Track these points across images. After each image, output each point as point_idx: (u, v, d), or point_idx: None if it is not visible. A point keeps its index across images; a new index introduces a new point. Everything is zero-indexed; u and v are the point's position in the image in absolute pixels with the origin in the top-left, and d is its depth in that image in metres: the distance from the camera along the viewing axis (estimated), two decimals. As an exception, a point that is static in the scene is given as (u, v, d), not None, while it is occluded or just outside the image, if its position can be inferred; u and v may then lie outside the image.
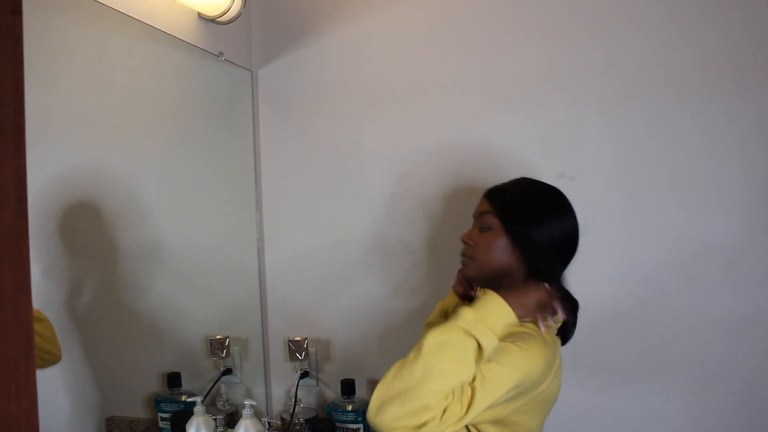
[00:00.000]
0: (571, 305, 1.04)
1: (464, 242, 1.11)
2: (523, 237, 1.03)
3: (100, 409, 1.35)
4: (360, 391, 1.58)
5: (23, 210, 0.53)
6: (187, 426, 1.38)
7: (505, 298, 0.91)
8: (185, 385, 1.52)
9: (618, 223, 1.40)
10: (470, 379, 0.86)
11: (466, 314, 0.89)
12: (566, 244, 1.06)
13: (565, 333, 1.05)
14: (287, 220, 1.65)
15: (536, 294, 0.96)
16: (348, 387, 1.53)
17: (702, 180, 1.36)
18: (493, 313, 0.90)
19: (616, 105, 1.39)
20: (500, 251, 1.05)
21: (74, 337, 1.27)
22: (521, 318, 0.93)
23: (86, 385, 1.29)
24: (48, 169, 1.18)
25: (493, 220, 1.07)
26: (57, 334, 1.22)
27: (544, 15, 1.42)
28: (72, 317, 1.27)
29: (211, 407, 1.52)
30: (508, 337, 0.92)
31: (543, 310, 0.97)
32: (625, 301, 1.41)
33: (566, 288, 1.06)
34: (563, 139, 1.42)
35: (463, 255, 1.11)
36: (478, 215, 1.11)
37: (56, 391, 1.23)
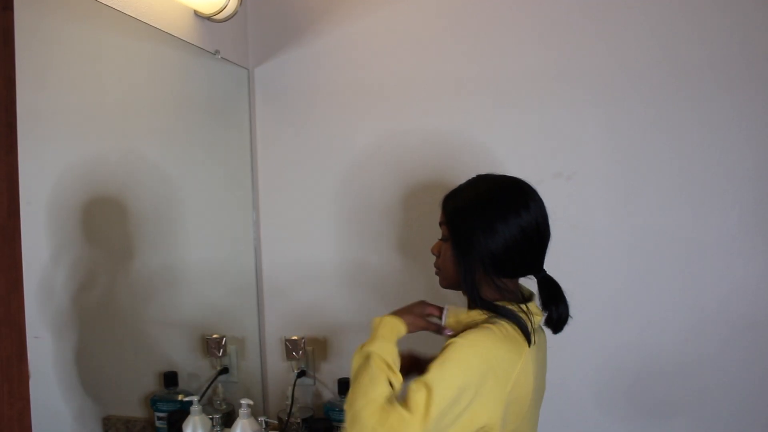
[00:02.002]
0: (551, 297, 1.02)
1: (433, 253, 1.10)
2: (464, 247, 1.00)
3: (96, 408, 1.34)
4: (357, 391, 1.57)
5: (15, 210, 0.52)
6: (183, 425, 1.38)
7: (395, 312, 1.04)
8: (182, 384, 1.51)
9: (616, 221, 1.40)
10: (383, 388, 0.91)
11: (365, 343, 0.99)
12: (527, 238, 0.99)
13: (552, 324, 1.03)
14: (284, 218, 1.64)
15: (414, 306, 1.06)
16: (345, 386, 1.53)
17: (701, 179, 1.35)
18: (380, 328, 1.00)
19: (614, 103, 1.39)
20: (455, 262, 1.02)
21: (71, 336, 1.27)
22: (412, 327, 1.03)
23: (83, 384, 1.29)
24: (44, 168, 1.18)
25: (446, 230, 1.05)
26: (54, 333, 1.22)
27: (542, 12, 1.42)
28: (69, 317, 1.26)
29: (207, 407, 1.52)
30: (462, 333, 0.95)
31: (427, 317, 1.05)
32: (623, 299, 1.41)
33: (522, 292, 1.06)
34: (562, 137, 1.42)
35: (435, 266, 1.10)
36: (440, 224, 1.08)
37: (53, 390, 1.23)
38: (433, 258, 1.10)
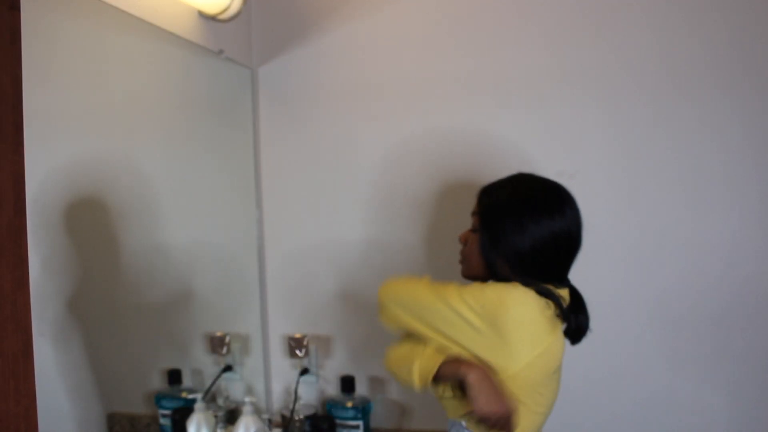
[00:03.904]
0: (572, 307, 1.02)
1: (460, 242, 1.11)
2: (492, 241, 1.01)
3: (101, 404, 1.35)
4: (360, 388, 1.58)
5: (21, 208, 0.53)
6: (187, 423, 1.39)
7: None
8: (186, 381, 1.52)
9: (619, 221, 1.40)
10: None
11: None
12: (556, 243, 0.99)
13: (571, 333, 1.03)
14: (287, 216, 1.64)
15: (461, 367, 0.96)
16: (348, 384, 1.54)
17: (704, 178, 1.35)
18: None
19: (618, 102, 1.39)
20: (481, 255, 1.03)
21: (76, 333, 1.27)
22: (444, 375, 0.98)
23: (88, 381, 1.30)
24: (48, 167, 1.18)
25: (477, 222, 1.06)
26: (59, 331, 1.23)
27: (545, 11, 1.42)
28: (73, 313, 1.27)
29: (211, 404, 1.52)
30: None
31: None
32: (626, 298, 1.41)
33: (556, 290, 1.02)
34: (564, 135, 1.42)
35: (461, 254, 1.11)
36: (472, 214, 1.09)
37: (58, 387, 1.23)
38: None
